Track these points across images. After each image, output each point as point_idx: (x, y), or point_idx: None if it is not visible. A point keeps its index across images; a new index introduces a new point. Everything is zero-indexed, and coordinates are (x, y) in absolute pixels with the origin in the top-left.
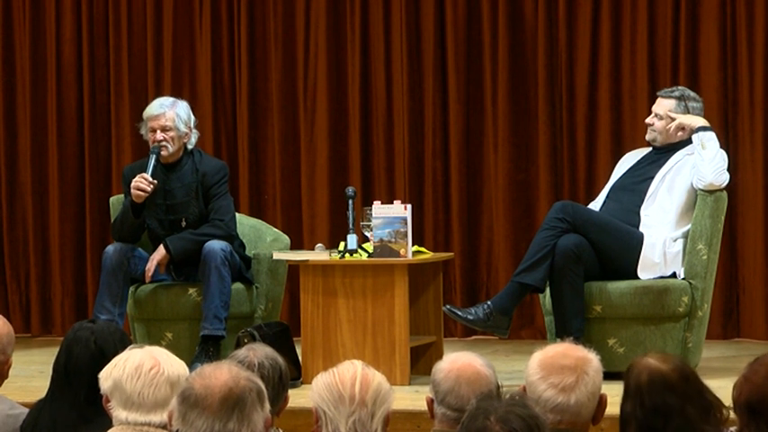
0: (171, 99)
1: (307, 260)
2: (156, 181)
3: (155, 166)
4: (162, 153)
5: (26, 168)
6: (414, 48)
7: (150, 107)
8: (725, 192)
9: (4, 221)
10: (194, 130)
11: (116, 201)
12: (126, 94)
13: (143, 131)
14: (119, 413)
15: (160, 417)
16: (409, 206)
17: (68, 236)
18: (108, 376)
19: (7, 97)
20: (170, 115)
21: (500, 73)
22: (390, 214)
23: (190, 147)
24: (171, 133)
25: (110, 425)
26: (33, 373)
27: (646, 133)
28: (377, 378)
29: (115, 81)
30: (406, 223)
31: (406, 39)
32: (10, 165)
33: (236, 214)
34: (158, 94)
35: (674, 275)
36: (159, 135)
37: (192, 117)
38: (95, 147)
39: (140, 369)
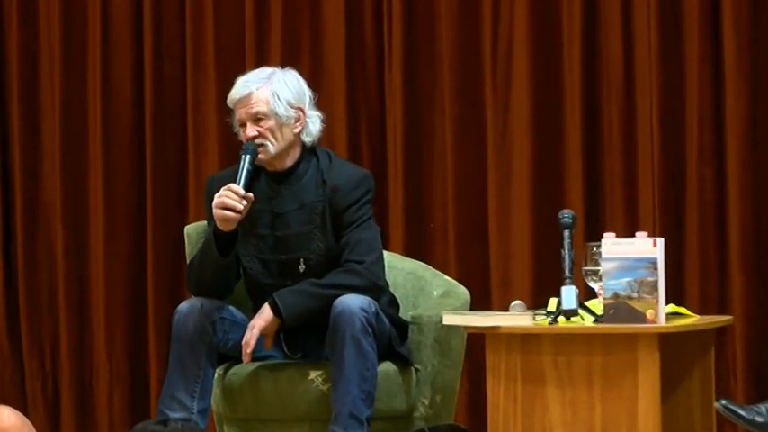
0: (267, 71)
1: (497, 327)
2: (251, 195)
3: (249, 172)
4: (260, 156)
5: (54, 180)
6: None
7: (235, 88)
8: None
9: (19, 261)
10: (314, 114)
11: (194, 231)
12: (210, 68)
13: (235, 126)
14: None
15: None
16: (661, 241)
17: (119, 285)
18: None
19: (27, 72)
20: (263, 96)
21: None
22: (631, 254)
23: (308, 141)
24: (268, 123)
25: None
26: None
27: None
28: None
29: (194, 47)
30: (655, 268)
31: None
32: (29, 175)
33: (385, 253)
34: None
35: None
36: (251, 130)
37: (308, 93)
38: (161, 147)
39: None
